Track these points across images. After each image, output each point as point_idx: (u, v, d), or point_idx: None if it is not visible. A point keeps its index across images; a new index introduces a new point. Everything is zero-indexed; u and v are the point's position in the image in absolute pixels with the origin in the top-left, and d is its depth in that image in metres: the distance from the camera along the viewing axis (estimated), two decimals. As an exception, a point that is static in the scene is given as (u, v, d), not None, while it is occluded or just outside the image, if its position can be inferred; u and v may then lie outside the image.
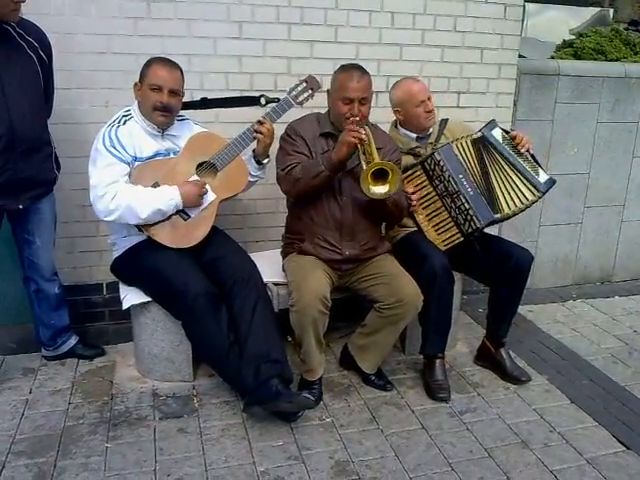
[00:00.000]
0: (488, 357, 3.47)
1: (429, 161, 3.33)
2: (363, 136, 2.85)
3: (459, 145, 3.33)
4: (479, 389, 3.31)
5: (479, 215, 3.26)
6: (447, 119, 3.57)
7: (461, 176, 3.29)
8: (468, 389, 3.31)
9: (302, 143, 3.11)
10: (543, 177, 3.35)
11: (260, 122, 3.15)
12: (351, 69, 3.08)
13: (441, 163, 3.29)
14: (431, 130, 3.49)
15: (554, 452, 2.81)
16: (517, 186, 3.32)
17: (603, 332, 4.10)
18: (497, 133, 3.36)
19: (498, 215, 3.30)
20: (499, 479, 2.62)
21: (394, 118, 3.53)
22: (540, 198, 3.36)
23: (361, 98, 3.02)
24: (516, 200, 3.32)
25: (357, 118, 2.97)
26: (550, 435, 2.94)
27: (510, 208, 3.32)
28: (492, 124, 3.39)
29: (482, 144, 3.34)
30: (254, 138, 3.16)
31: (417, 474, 2.63)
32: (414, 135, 3.47)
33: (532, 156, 3.38)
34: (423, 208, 3.41)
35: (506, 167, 3.33)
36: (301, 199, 3.16)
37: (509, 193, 3.33)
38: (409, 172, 3.39)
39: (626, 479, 2.65)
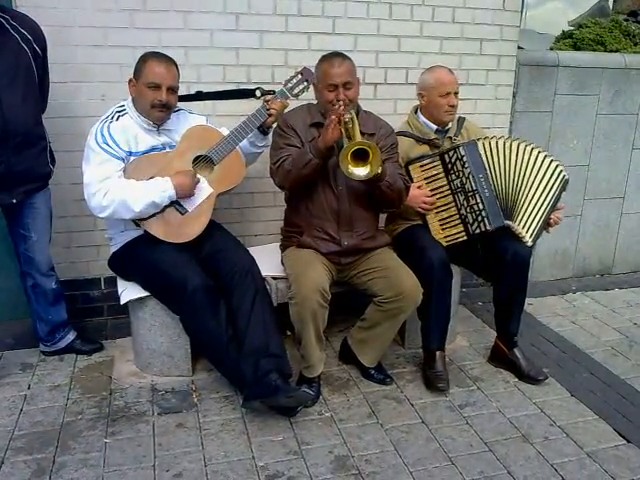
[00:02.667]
0: (502, 358, 3.43)
1: (450, 154, 3.30)
2: (343, 113, 2.84)
3: (486, 145, 3.30)
4: (479, 383, 3.30)
5: (491, 218, 3.25)
6: (464, 118, 3.56)
7: (481, 176, 3.27)
8: (468, 383, 3.30)
9: (294, 134, 3.11)
10: (531, 240, 3.33)
11: (268, 101, 3.16)
12: (331, 57, 3.09)
13: (464, 159, 3.26)
14: (450, 125, 3.47)
15: (554, 446, 2.80)
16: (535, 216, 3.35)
17: (603, 325, 4.10)
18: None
19: (509, 222, 3.29)
20: (499, 473, 2.61)
21: (415, 104, 3.53)
22: (508, 234, 3.33)
23: (345, 82, 3.02)
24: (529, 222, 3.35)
25: (342, 104, 2.94)
26: (550, 429, 2.93)
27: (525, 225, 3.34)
28: (566, 184, 3.41)
29: (563, 185, 3.37)
30: (269, 115, 3.15)
31: (417, 468, 2.62)
32: (434, 127, 3.44)
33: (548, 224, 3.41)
34: None
35: (542, 198, 3.34)
36: (296, 191, 3.16)
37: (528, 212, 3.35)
38: (426, 161, 3.37)
39: (626, 472, 2.64)
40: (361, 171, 2.81)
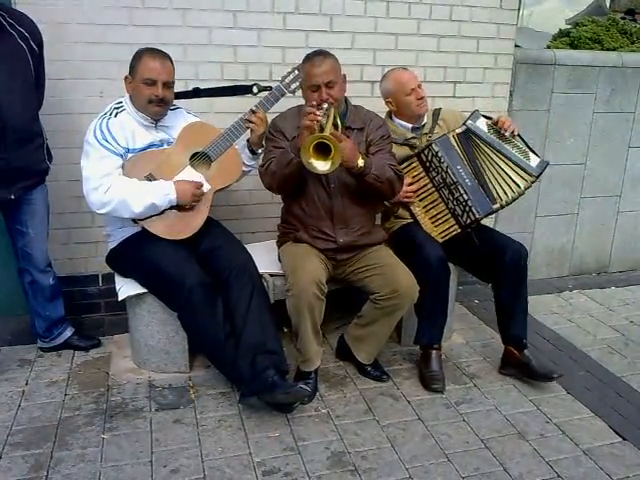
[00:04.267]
0: (514, 362, 3.33)
1: (426, 152, 3.32)
2: (319, 117, 2.82)
3: (455, 136, 3.32)
4: (475, 380, 3.31)
5: (478, 206, 3.26)
6: (440, 108, 3.56)
7: (459, 167, 3.29)
8: (464, 380, 3.31)
9: (282, 138, 3.11)
10: (534, 161, 3.34)
11: (252, 111, 3.14)
12: (312, 56, 3.08)
13: (439, 154, 3.28)
14: (425, 120, 3.48)
15: (550, 443, 2.82)
16: (508, 175, 3.32)
17: (599, 323, 4.11)
18: (481, 123, 3.34)
19: (496, 205, 3.30)
20: (495, 470, 2.62)
21: (387, 109, 3.52)
22: (534, 182, 3.34)
23: (327, 82, 3.00)
24: (507, 190, 3.32)
25: (320, 105, 2.91)
26: (546, 426, 2.94)
27: (507, 197, 3.31)
28: (475, 114, 3.37)
29: (467, 136, 3.32)
30: (247, 128, 3.15)
31: (413, 465, 2.63)
32: (409, 126, 3.46)
33: (522, 140, 3.37)
34: (420, 200, 3.40)
35: (494, 157, 3.33)
36: (286, 192, 3.19)
37: (499, 184, 3.32)
38: (405, 164, 3.38)
39: (622, 470, 2.65)
40: (321, 165, 2.77)
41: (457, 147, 3.30)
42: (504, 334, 3.39)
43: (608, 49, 5.19)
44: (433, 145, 3.30)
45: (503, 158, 3.32)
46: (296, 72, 3.23)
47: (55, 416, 2.89)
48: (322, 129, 2.83)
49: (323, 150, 2.74)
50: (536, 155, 3.37)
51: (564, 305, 4.40)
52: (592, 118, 4.58)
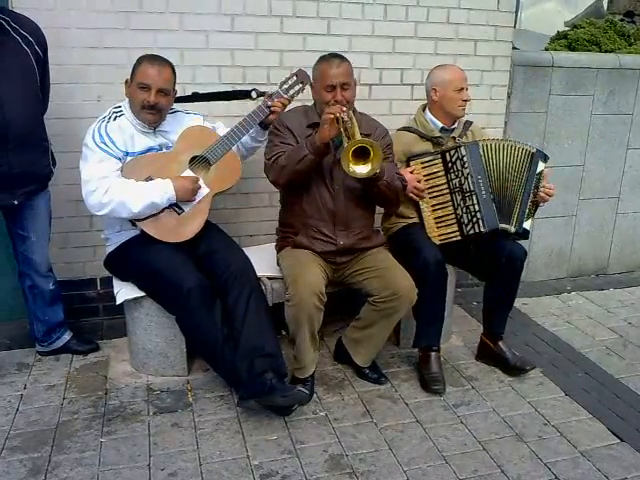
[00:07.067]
0: (489, 353, 3.46)
1: (452, 153, 3.32)
2: (342, 112, 2.85)
3: (485, 147, 3.32)
4: (473, 382, 3.31)
5: (486, 220, 3.26)
6: (472, 122, 3.56)
7: (480, 177, 3.29)
8: (462, 382, 3.32)
9: (289, 134, 3.12)
10: (526, 225, 3.38)
11: (270, 97, 3.19)
12: (330, 57, 3.11)
13: (465, 159, 3.28)
14: (455, 125, 3.49)
15: (548, 445, 2.82)
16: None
17: (598, 324, 4.11)
18: (540, 165, 3.37)
19: (503, 225, 3.31)
20: (493, 472, 2.62)
21: (422, 103, 3.56)
22: (506, 234, 3.36)
23: (342, 83, 3.04)
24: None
25: (339, 106, 2.93)
26: (544, 428, 2.94)
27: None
28: (543, 155, 3.41)
29: (531, 159, 3.35)
30: (271, 112, 3.17)
31: (411, 467, 2.63)
32: (440, 125, 3.45)
33: (537, 207, 3.44)
34: (430, 197, 3.40)
35: (519, 191, 3.36)
36: (289, 188, 3.17)
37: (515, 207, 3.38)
38: (427, 158, 3.38)
39: (619, 471, 2.66)
40: (362, 169, 2.82)
41: (484, 157, 3.31)
42: (485, 325, 3.51)
43: (606, 51, 5.18)
44: (462, 148, 3.29)
45: (520, 200, 3.35)
46: (294, 78, 3.24)
47: (53, 420, 2.89)
48: (347, 133, 2.86)
49: (360, 155, 2.80)
50: (529, 223, 3.41)
51: (563, 307, 4.40)
52: (590, 120, 4.59)
